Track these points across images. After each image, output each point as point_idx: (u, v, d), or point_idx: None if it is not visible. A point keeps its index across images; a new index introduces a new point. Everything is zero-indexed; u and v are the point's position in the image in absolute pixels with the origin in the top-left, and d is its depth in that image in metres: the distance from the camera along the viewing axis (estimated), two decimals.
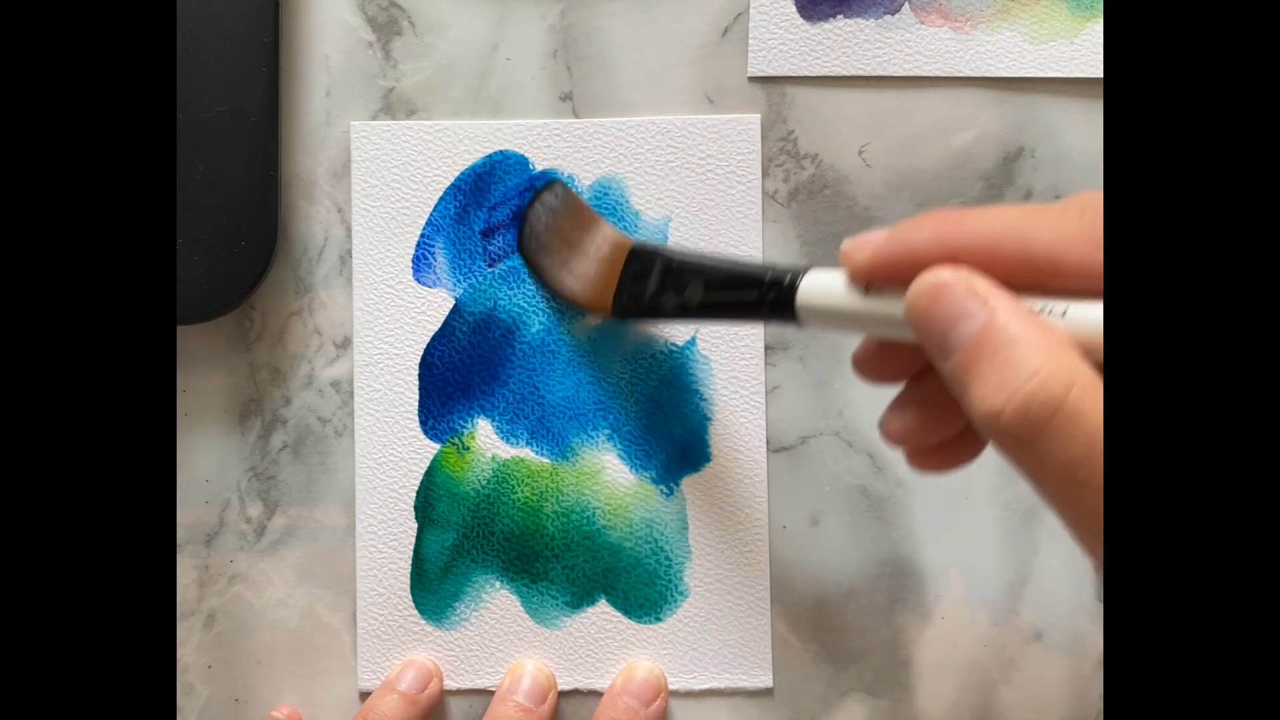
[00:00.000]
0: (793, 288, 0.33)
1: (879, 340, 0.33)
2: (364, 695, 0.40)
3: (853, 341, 0.34)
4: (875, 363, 0.33)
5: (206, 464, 0.40)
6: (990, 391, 0.26)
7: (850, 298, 0.31)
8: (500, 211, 0.40)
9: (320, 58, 0.40)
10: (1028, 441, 0.26)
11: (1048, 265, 0.28)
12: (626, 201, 0.40)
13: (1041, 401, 0.25)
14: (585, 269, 0.39)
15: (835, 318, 0.32)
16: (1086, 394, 0.25)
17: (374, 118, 0.40)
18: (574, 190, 0.40)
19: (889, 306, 0.30)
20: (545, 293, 0.40)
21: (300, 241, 0.40)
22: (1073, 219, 0.28)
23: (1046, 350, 0.26)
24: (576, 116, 0.40)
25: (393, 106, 0.40)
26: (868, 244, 0.30)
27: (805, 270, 0.33)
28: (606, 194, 0.40)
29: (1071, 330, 0.27)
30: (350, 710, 0.40)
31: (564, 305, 0.40)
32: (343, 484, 0.40)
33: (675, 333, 0.40)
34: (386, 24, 0.40)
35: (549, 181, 0.40)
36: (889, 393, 0.40)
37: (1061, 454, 0.25)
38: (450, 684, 0.40)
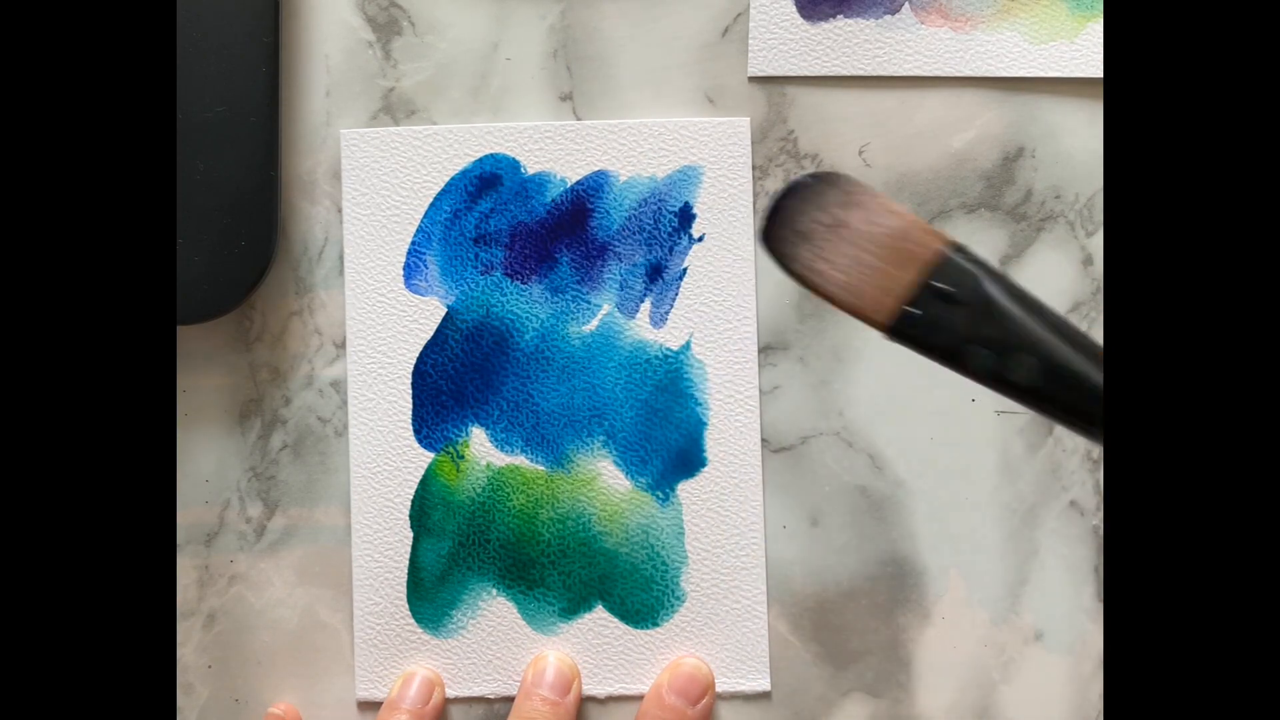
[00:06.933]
0: None
1: None
2: (362, 704, 0.40)
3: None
4: None
5: (206, 464, 0.40)
6: None
7: None
8: (493, 219, 0.40)
9: (320, 58, 0.40)
10: None
11: None
12: (619, 204, 0.40)
13: None
14: (857, 258, 0.29)
15: None
16: None
17: (374, 118, 0.40)
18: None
19: None
20: (804, 284, 0.29)
21: (300, 241, 0.40)
22: None
23: None
24: (577, 116, 0.40)
25: (393, 107, 0.40)
26: None
27: None
28: (598, 197, 0.40)
29: None
30: (349, 711, 0.40)
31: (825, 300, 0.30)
32: (342, 484, 0.40)
33: (669, 337, 0.40)
34: (386, 24, 0.40)
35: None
36: (889, 392, 0.40)
37: None
38: (448, 692, 0.40)
